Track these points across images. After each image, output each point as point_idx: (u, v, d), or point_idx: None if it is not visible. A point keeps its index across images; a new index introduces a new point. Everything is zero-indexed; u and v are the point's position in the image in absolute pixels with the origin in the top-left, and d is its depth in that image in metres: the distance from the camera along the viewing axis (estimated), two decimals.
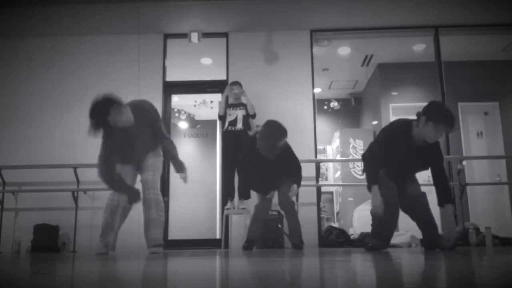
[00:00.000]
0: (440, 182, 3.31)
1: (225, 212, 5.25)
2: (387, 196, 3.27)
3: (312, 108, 6.07)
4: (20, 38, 6.34)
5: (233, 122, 5.24)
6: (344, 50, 7.30)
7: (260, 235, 4.52)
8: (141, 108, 3.64)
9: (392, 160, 3.31)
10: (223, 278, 1.46)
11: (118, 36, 6.28)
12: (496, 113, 7.43)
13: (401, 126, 3.31)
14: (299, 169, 4.30)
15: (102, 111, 3.30)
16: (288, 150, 4.23)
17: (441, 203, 3.28)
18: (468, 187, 5.90)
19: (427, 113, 3.14)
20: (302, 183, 5.64)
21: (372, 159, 3.37)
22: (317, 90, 7.33)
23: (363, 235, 4.65)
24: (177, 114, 8.04)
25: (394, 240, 5.53)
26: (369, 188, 3.33)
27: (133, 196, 3.65)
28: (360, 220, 6.76)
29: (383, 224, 3.37)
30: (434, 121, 3.10)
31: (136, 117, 3.55)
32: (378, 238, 3.42)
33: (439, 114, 3.12)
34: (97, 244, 3.64)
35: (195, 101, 7.73)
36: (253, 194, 4.49)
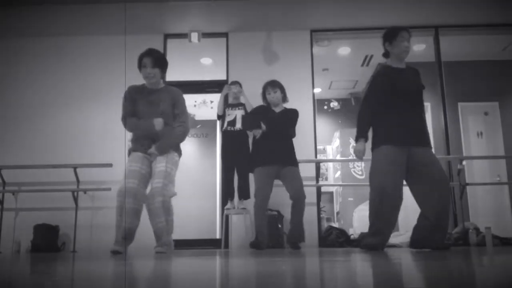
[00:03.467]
0: None
1: (225, 212, 5.25)
2: (382, 167, 3.30)
3: (312, 108, 6.07)
4: (20, 38, 6.34)
5: (232, 122, 5.24)
6: (344, 50, 7.30)
7: (267, 232, 4.46)
8: (172, 89, 3.89)
9: (393, 94, 3.38)
10: (223, 278, 1.46)
11: (118, 36, 6.27)
12: (496, 113, 7.43)
13: (380, 68, 3.54)
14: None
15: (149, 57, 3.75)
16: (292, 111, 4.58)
17: None
18: (468, 187, 5.90)
19: (384, 38, 3.51)
20: (303, 183, 5.65)
21: (366, 111, 3.45)
22: (317, 90, 7.33)
23: (363, 235, 4.62)
24: None
25: (394, 240, 5.53)
26: (357, 140, 3.45)
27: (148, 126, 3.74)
28: (360, 220, 6.76)
29: (378, 214, 3.29)
30: (392, 36, 3.45)
31: (164, 91, 3.83)
32: (373, 234, 3.32)
33: (391, 30, 3.49)
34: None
35: (195, 101, 7.73)
36: (252, 194, 4.49)
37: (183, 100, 3.90)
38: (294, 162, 4.42)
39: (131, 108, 3.82)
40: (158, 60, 3.81)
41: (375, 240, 3.32)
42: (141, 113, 3.79)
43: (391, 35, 3.47)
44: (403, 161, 3.31)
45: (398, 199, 3.30)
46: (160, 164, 3.68)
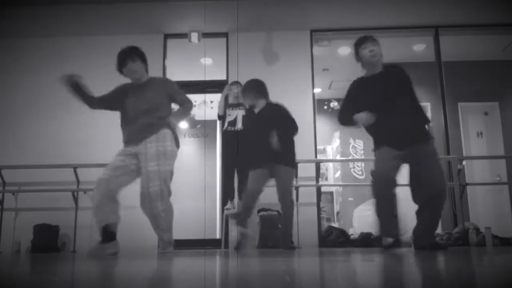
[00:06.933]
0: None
1: (225, 212, 5.25)
2: None
3: (312, 108, 6.07)
4: (20, 38, 6.34)
5: (233, 122, 5.24)
6: (344, 50, 7.29)
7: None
8: (159, 80, 3.78)
9: (370, 103, 3.47)
10: (223, 278, 1.46)
11: (118, 36, 6.27)
12: (496, 113, 7.43)
13: (351, 83, 3.78)
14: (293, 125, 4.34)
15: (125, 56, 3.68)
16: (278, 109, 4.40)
17: None
18: (468, 187, 5.90)
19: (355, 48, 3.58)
20: (303, 183, 5.66)
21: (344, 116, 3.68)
22: (317, 90, 7.32)
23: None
24: None
25: None
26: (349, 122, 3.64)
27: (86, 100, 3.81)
28: (360, 220, 6.76)
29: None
30: (357, 46, 3.55)
31: (151, 84, 3.69)
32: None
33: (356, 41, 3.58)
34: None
35: (195, 101, 7.73)
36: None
37: (175, 85, 3.74)
38: (288, 161, 4.15)
39: (118, 98, 3.77)
40: (137, 54, 3.71)
41: None
42: (129, 108, 3.66)
43: (356, 44, 3.59)
44: (400, 163, 3.36)
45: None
46: (154, 163, 3.40)
